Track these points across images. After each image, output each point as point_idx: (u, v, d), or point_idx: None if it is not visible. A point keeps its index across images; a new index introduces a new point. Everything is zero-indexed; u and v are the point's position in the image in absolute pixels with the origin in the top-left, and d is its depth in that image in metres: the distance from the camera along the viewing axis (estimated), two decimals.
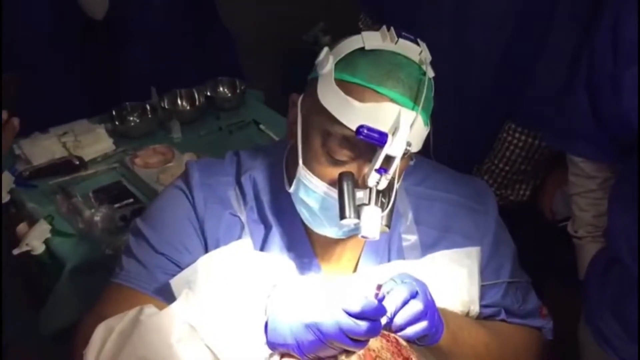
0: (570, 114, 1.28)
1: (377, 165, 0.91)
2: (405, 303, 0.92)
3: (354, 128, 0.91)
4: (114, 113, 2.18)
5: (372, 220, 0.92)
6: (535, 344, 1.19)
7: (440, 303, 1.04)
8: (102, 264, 1.57)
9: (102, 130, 2.09)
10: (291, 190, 1.02)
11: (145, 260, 1.07)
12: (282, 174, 1.08)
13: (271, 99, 2.47)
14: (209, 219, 1.07)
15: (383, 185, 0.93)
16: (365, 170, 0.95)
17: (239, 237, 1.07)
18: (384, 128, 0.90)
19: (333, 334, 0.86)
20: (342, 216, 0.93)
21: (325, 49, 0.98)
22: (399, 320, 0.92)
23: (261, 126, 2.23)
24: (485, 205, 1.15)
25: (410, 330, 0.93)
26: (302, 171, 0.98)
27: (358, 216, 0.92)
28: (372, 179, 0.92)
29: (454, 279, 1.08)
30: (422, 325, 0.93)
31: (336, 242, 1.08)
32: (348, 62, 0.94)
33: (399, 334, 0.94)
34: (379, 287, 0.91)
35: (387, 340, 0.93)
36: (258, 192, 1.09)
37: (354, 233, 1.01)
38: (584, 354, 1.36)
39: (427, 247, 1.09)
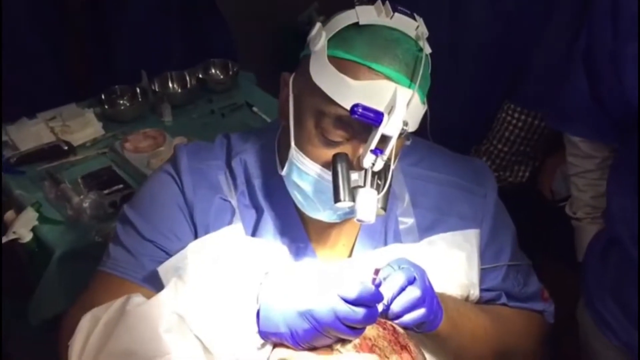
0: (569, 93, 1.26)
1: (373, 145, 0.88)
2: (402, 290, 0.89)
3: (348, 107, 0.87)
4: (103, 97, 2.14)
5: (368, 203, 0.89)
6: (536, 327, 1.17)
7: (438, 287, 1.01)
8: (92, 251, 1.53)
9: (91, 115, 2.05)
10: (283, 173, 0.99)
11: (133, 248, 1.04)
12: (274, 156, 1.05)
13: (264, 81, 2.42)
14: (198, 204, 1.03)
15: (379, 166, 0.89)
16: (360, 151, 0.91)
17: (230, 223, 1.04)
18: (379, 107, 0.87)
19: (328, 321, 0.83)
20: (337, 199, 0.89)
21: (318, 25, 0.94)
22: (396, 307, 0.89)
23: (254, 108, 2.19)
24: (484, 187, 1.12)
25: (407, 318, 0.90)
26: (295, 153, 0.95)
27: (353, 199, 0.89)
28: (368, 160, 0.89)
29: (452, 262, 1.05)
30: (420, 312, 0.90)
31: (331, 226, 1.05)
32: (342, 38, 0.91)
33: (396, 321, 0.91)
34: (377, 271, 0.88)
35: (384, 328, 0.89)
36: (249, 176, 1.06)
37: (349, 216, 0.98)
38: (583, 336, 1.34)
39: (425, 230, 1.06)
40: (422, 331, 0.94)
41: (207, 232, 1.02)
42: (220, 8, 2.42)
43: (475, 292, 1.07)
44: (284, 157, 0.98)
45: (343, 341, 0.87)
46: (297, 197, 0.99)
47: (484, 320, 1.06)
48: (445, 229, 1.06)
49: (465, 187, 1.10)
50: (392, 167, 0.92)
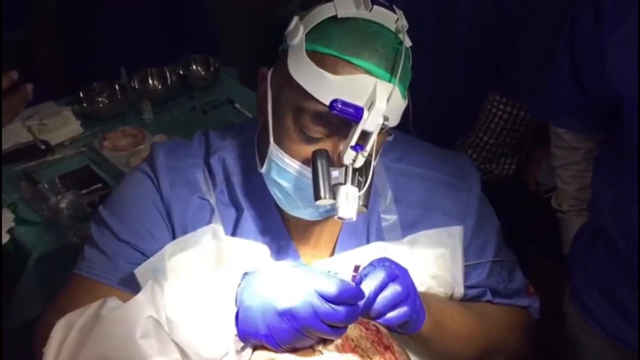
0: (553, 83, 1.26)
1: (353, 141, 0.86)
2: (383, 287, 0.88)
3: (327, 103, 0.85)
4: (81, 94, 2.10)
5: (349, 200, 0.87)
6: (521, 324, 1.15)
7: (422, 286, 1.00)
8: (70, 253, 1.48)
9: (69, 113, 2.02)
10: (263, 170, 0.97)
11: (108, 250, 1.01)
12: (253, 154, 1.02)
13: (247, 76, 2.39)
14: (175, 204, 1.01)
15: (360, 163, 0.88)
16: (341, 147, 0.89)
17: (209, 222, 1.01)
18: (359, 102, 0.85)
19: (309, 320, 0.81)
20: (317, 197, 0.87)
21: (296, 18, 0.92)
22: (377, 305, 0.87)
23: (236, 105, 2.16)
24: (468, 182, 1.10)
25: (390, 316, 0.88)
26: (274, 150, 0.93)
27: (334, 196, 0.87)
28: (348, 156, 0.87)
29: (436, 260, 1.04)
30: (403, 310, 0.88)
31: (312, 224, 1.03)
32: (320, 32, 0.89)
33: (379, 320, 0.89)
34: (356, 268, 0.86)
35: (367, 329, 0.87)
36: (228, 174, 1.03)
37: (330, 214, 0.96)
38: (569, 328, 1.34)
39: (408, 226, 1.05)
40: (405, 331, 0.92)
41: (185, 232, 1.00)
42: (200, 3, 2.39)
43: (459, 290, 1.06)
44: (263, 155, 0.97)
45: (325, 341, 0.85)
46: (278, 195, 0.98)
47: (468, 319, 1.04)
48: (428, 225, 1.05)
49: (448, 182, 1.08)
50: (373, 163, 0.91)
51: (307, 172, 0.90)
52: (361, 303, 0.85)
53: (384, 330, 0.89)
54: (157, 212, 1.02)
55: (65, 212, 1.58)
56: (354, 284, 0.84)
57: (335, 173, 0.88)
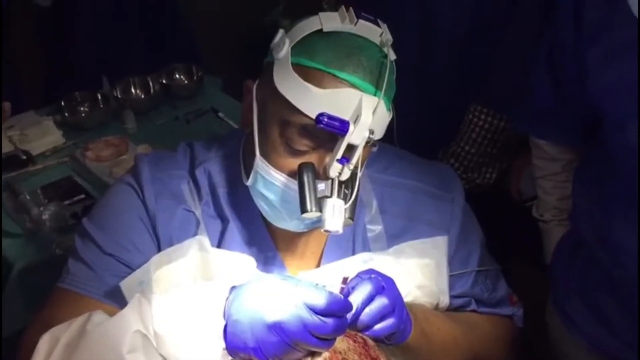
0: (534, 95, 1.27)
1: (339, 155, 0.87)
2: (370, 299, 0.88)
3: (313, 116, 0.85)
4: (63, 104, 2.08)
5: (335, 213, 0.87)
6: (505, 332, 1.16)
7: (408, 296, 1.00)
8: (53, 265, 1.47)
9: (50, 123, 2.00)
10: (249, 182, 0.97)
11: (93, 263, 1.00)
12: (238, 165, 1.02)
13: (230, 85, 2.39)
14: (161, 216, 1.00)
15: (345, 175, 0.88)
16: (327, 160, 0.90)
17: (195, 234, 1.01)
18: (345, 115, 0.85)
19: (297, 333, 0.80)
20: (304, 210, 0.87)
21: (281, 32, 0.92)
22: (365, 317, 0.87)
23: (220, 114, 2.16)
24: (452, 193, 1.11)
25: (377, 328, 0.88)
26: (260, 162, 0.93)
27: (320, 209, 0.87)
28: (334, 169, 0.87)
29: (421, 270, 1.04)
30: (390, 322, 0.89)
31: (298, 235, 1.03)
32: (305, 46, 0.89)
33: (366, 332, 0.89)
34: (345, 280, 0.86)
35: (354, 341, 0.88)
36: (214, 185, 1.03)
37: (316, 225, 0.96)
38: (553, 338, 1.35)
39: (393, 237, 1.05)
40: (392, 342, 0.93)
41: (170, 244, 0.99)
42: (183, 11, 2.38)
43: (445, 300, 1.07)
44: (249, 167, 0.97)
45: (313, 355, 0.85)
46: (263, 207, 0.98)
47: (454, 328, 1.05)
48: (413, 236, 1.05)
49: (432, 193, 1.09)
50: (359, 175, 0.91)
51: (293, 184, 0.90)
52: (349, 315, 0.85)
53: (371, 342, 0.89)
54: (142, 225, 1.01)
55: (48, 223, 1.56)
56: (342, 296, 0.84)
57: (321, 186, 0.89)
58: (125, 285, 0.96)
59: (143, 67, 2.25)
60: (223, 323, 0.85)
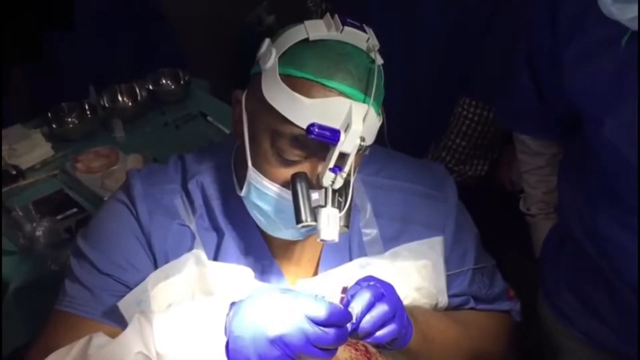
0: (515, 92, 1.28)
1: (331, 164, 0.87)
2: (370, 306, 0.88)
3: (304, 127, 0.85)
4: (49, 115, 2.06)
5: (330, 222, 0.87)
6: (505, 329, 1.17)
7: (407, 299, 1.00)
8: (49, 282, 1.49)
9: (38, 135, 1.98)
10: (242, 194, 0.96)
11: (90, 284, 1.00)
12: (231, 176, 1.02)
13: (218, 87, 2.38)
14: (155, 232, 1.00)
15: (339, 184, 0.89)
16: (319, 169, 0.89)
17: (190, 248, 1.01)
18: (335, 124, 0.86)
19: (300, 346, 0.81)
20: (299, 220, 0.87)
21: (267, 41, 0.92)
22: (365, 324, 0.87)
23: (209, 118, 2.15)
24: (444, 192, 1.11)
25: (379, 335, 0.88)
26: (252, 174, 0.93)
27: (315, 219, 0.87)
28: (327, 178, 0.88)
29: (419, 272, 1.04)
30: (391, 328, 0.89)
31: (294, 242, 1.03)
32: (292, 55, 0.89)
33: (368, 340, 0.89)
34: (345, 289, 0.87)
35: (356, 349, 0.88)
36: (207, 198, 1.03)
37: (311, 233, 0.96)
38: (544, 331, 1.36)
39: (389, 240, 1.05)
40: (394, 347, 0.93)
41: (166, 260, 0.99)
42: (166, 14, 2.36)
43: (444, 299, 1.07)
44: (241, 177, 0.96)
45: None
46: (258, 217, 0.98)
47: (454, 329, 1.06)
48: (408, 238, 1.06)
49: (425, 193, 1.09)
50: (352, 182, 0.91)
51: (287, 194, 0.90)
52: (349, 324, 0.86)
53: (372, 349, 0.90)
54: (137, 243, 1.01)
55: (42, 240, 1.55)
56: (341, 306, 0.84)
57: (315, 195, 0.89)
58: (123, 304, 0.96)
59: (127, 74, 2.23)
60: (225, 339, 0.85)
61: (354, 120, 0.84)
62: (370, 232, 1.05)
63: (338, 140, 0.85)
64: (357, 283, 0.91)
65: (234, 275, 0.98)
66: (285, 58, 0.89)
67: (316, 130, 0.84)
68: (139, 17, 2.30)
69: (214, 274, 0.97)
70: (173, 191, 1.03)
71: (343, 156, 0.87)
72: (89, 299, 0.99)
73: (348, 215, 0.91)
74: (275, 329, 0.81)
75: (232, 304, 0.88)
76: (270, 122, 0.89)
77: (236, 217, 1.02)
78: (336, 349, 0.84)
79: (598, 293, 1.18)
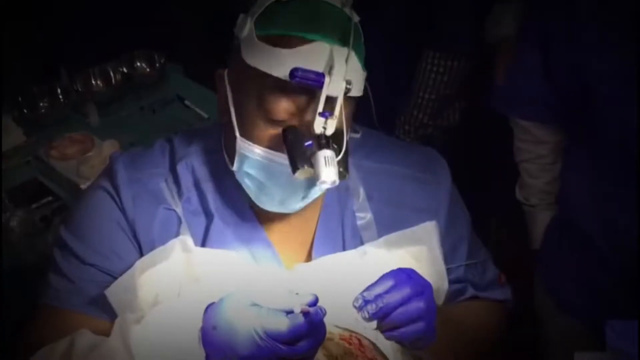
0: (519, 75, 1.25)
1: (320, 108, 0.85)
2: (408, 300, 0.86)
3: (287, 73, 0.84)
4: (20, 99, 1.99)
5: (329, 163, 0.85)
6: (501, 317, 1.17)
7: None
8: (26, 273, 1.45)
9: (8, 120, 1.91)
10: (234, 167, 0.94)
11: (74, 275, 0.98)
12: (221, 158, 1.00)
13: (195, 71, 2.33)
14: (140, 219, 0.98)
15: (331, 129, 0.87)
16: (309, 117, 0.88)
17: (177, 233, 0.99)
18: (318, 68, 0.85)
19: None
20: (295, 168, 0.86)
21: (241, 15, 0.92)
22: (397, 316, 0.85)
23: (186, 102, 2.10)
24: (437, 175, 1.11)
25: (404, 330, 0.86)
26: (241, 143, 0.92)
27: (311, 165, 0.86)
28: (318, 124, 0.86)
29: (416, 258, 1.04)
30: (419, 326, 0.87)
31: (287, 223, 1.02)
32: (267, 17, 0.89)
33: (392, 333, 0.87)
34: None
35: (350, 344, 0.87)
36: (198, 180, 1.01)
37: (307, 201, 0.95)
38: (544, 322, 1.36)
39: (382, 224, 1.04)
40: (415, 348, 0.92)
41: (152, 247, 0.97)
42: None
43: (444, 284, 1.07)
44: (232, 154, 0.95)
45: None
46: (252, 190, 0.96)
47: (459, 325, 1.05)
48: (402, 223, 1.04)
49: (418, 177, 1.08)
50: (345, 132, 0.90)
51: (278, 157, 0.89)
52: (380, 305, 0.84)
53: (366, 342, 0.89)
54: (121, 231, 0.98)
55: (18, 230, 1.51)
56: (302, 318, 0.80)
57: (309, 144, 0.87)
58: (111, 292, 0.94)
59: (98, 56, 2.17)
60: (202, 353, 0.84)
61: (336, 62, 0.84)
62: (365, 216, 1.04)
63: (322, 83, 0.84)
64: (400, 271, 0.89)
65: (221, 261, 0.97)
66: (261, 20, 0.89)
67: (300, 73, 0.83)
68: None
69: (200, 259, 0.96)
70: (158, 175, 1.01)
71: (331, 101, 0.85)
72: (72, 290, 0.98)
73: (345, 162, 0.90)
74: (243, 350, 0.80)
75: (208, 307, 0.86)
76: (255, 85, 0.89)
77: (229, 198, 1.01)
78: (313, 355, 0.83)
79: (604, 284, 1.18)
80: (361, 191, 1.05)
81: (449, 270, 1.08)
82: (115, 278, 0.96)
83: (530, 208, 1.40)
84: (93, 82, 2.12)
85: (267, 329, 0.79)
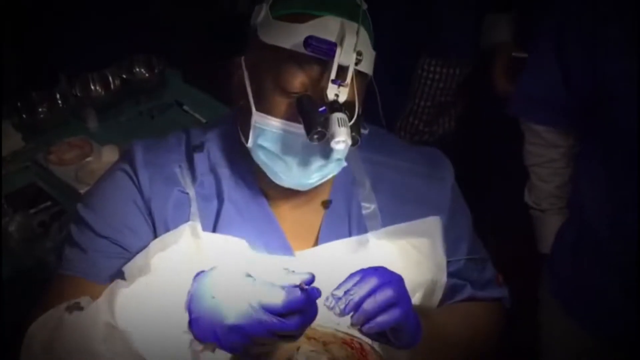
0: (533, 78, 1.25)
1: (333, 75, 0.90)
2: (375, 290, 0.86)
3: (301, 42, 0.89)
4: (19, 104, 1.99)
5: (342, 124, 0.88)
6: (498, 318, 1.18)
7: (408, 276, 0.99)
8: (24, 277, 1.44)
9: (7, 125, 1.91)
10: (249, 142, 0.97)
11: (87, 246, 1.01)
12: (236, 141, 1.03)
13: (193, 76, 2.33)
14: (155, 198, 1.01)
15: (343, 96, 0.91)
16: (322, 84, 0.91)
17: (189, 217, 1.01)
18: (330, 38, 0.90)
19: (258, 333, 0.79)
20: (309, 130, 0.89)
21: (257, 6, 0.97)
22: (368, 306, 0.85)
23: (185, 107, 2.10)
24: (441, 172, 1.13)
25: (380, 319, 0.86)
26: (257, 117, 0.96)
27: (325, 127, 0.89)
28: (331, 90, 0.90)
29: (418, 249, 1.05)
30: (393, 313, 0.87)
31: (297, 209, 1.05)
32: (281, 1, 0.95)
33: (369, 325, 0.86)
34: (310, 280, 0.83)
35: (352, 348, 0.87)
36: (214, 165, 1.05)
37: (320, 180, 0.98)
38: (547, 325, 1.35)
39: (387, 215, 1.06)
40: (402, 346, 0.92)
41: (166, 226, 1.00)
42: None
43: (443, 278, 1.08)
44: (247, 131, 0.98)
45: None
46: (267, 165, 0.98)
47: (459, 326, 1.07)
48: (406, 216, 1.06)
49: (423, 173, 1.11)
50: (357, 103, 0.92)
51: (293, 127, 0.93)
52: (351, 305, 0.84)
53: (368, 347, 0.89)
54: (136, 209, 1.02)
55: (16, 235, 1.50)
56: (299, 292, 0.80)
57: (322, 110, 0.90)
58: (128, 269, 0.97)
59: (98, 61, 2.17)
60: (187, 317, 0.83)
61: (347, 33, 0.89)
62: (370, 206, 1.06)
63: (334, 52, 0.88)
64: (365, 269, 0.89)
65: (228, 247, 0.98)
66: (276, 4, 0.95)
67: (313, 42, 0.88)
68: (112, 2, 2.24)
69: (209, 245, 0.98)
70: (174, 160, 1.05)
71: (343, 70, 0.89)
72: (84, 260, 1.01)
73: (358, 126, 0.93)
74: (231, 318, 0.80)
75: (197, 274, 0.86)
76: (271, 62, 0.93)
77: (242, 183, 1.04)
78: (301, 333, 0.82)
79: (616, 289, 1.17)
80: (367, 182, 1.08)
81: (449, 263, 1.09)
82: (127, 252, 0.99)
83: (540, 213, 1.39)
84: (92, 87, 2.12)
85: (262, 301, 0.79)
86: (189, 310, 0.83)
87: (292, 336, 0.82)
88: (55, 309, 0.93)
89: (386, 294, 0.87)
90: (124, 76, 2.15)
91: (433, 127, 1.87)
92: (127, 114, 2.07)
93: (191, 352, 0.85)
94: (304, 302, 0.81)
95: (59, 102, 2.04)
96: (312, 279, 0.82)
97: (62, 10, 2.13)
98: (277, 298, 0.79)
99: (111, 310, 0.86)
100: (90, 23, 2.22)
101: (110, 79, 2.12)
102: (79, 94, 2.07)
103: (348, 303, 0.85)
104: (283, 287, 0.81)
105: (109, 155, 1.80)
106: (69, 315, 0.89)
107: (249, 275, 0.82)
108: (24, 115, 1.98)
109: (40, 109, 2.03)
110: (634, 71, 1.02)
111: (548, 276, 1.34)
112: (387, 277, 0.89)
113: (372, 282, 0.87)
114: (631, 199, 1.09)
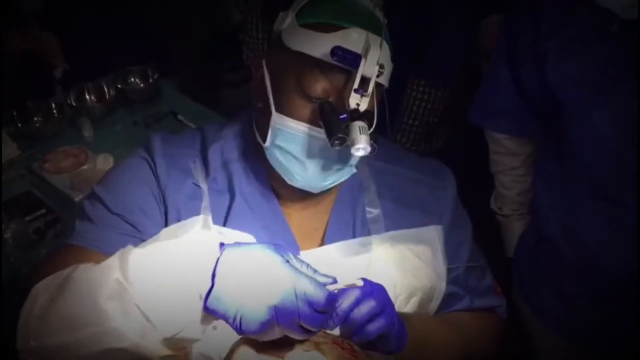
0: (491, 88, 1.29)
1: (356, 85, 0.92)
2: (359, 302, 0.88)
3: (328, 52, 0.92)
4: (14, 114, 2.01)
5: (362, 132, 0.91)
6: (495, 328, 1.19)
7: (406, 280, 1.03)
8: (19, 284, 1.43)
9: (3, 134, 1.91)
10: (267, 143, 1.00)
11: (98, 220, 1.03)
12: (251, 141, 1.07)
13: (187, 86, 2.35)
14: (171, 186, 1.04)
15: (364, 105, 0.93)
16: (344, 93, 0.94)
17: (200, 210, 1.04)
18: (356, 50, 0.93)
19: (289, 321, 0.79)
20: (330, 136, 0.92)
21: (281, 13, 1.01)
22: (353, 316, 0.87)
23: (179, 117, 2.12)
24: (444, 182, 1.16)
25: (368, 328, 0.88)
26: (277, 118, 0.98)
27: (346, 133, 0.92)
28: (353, 99, 0.93)
29: (418, 256, 1.08)
30: (379, 323, 0.89)
31: (305, 209, 1.08)
32: (309, 8, 0.98)
33: (358, 336, 0.88)
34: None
35: (343, 348, 0.87)
36: (227, 161, 1.08)
37: (333, 184, 1.01)
38: (525, 328, 1.38)
39: (390, 221, 1.09)
40: (389, 351, 0.93)
41: (178, 215, 1.03)
42: (135, 12, 2.32)
43: (442, 285, 1.09)
44: (264, 132, 1.00)
45: (290, 341, 0.83)
46: (282, 165, 1.00)
47: (449, 334, 1.07)
48: (409, 222, 1.09)
49: (426, 182, 1.14)
50: (375, 112, 0.95)
51: (313, 131, 0.95)
52: (337, 320, 0.86)
53: (358, 349, 0.90)
54: (150, 194, 1.04)
55: (11, 242, 1.51)
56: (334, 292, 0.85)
57: (343, 117, 0.93)
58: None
59: (94, 72, 2.19)
60: (209, 284, 0.81)
61: (372, 45, 0.91)
62: (374, 211, 1.09)
63: (359, 63, 0.91)
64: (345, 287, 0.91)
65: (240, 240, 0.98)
66: (303, 12, 0.98)
67: (340, 52, 0.91)
68: (107, 13, 2.26)
69: (218, 239, 0.94)
70: (189, 155, 1.07)
71: (364, 81, 0.92)
72: (93, 232, 1.02)
73: (375, 136, 0.95)
74: (273, 299, 0.79)
75: (222, 244, 0.84)
76: (295, 66, 0.96)
77: (254, 180, 1.07)
78: (314, 332, 0.82)
79: (576, 290, 1.20)
80: (373, 187, 1.11)
81: (449, 270, 1.11)
82: (138, 231, 1.01)
83: (503, 218, 1.43)
84: (87, 97, 2.14)
85: (308, 293, 0.80)
86: (217, 280, 0.80)
87: (312, 333, 0.82)
88: (63, 270, 0.89)
89: (369, 304, 0.89)
90: (119, 86, 2.18)
91: (420, 146, 1.90)
92: (122, 124, 2.09)
93: (201, 319, 0.82)
94: (332, 305, 0.84)
95: (55, 111, 2.06)
96: (335, 282, 0.87)
97: (58, 22, 2.15)
98: (322, 296, 0.80)
99: (124, 267, 0.83)
100: (85, 34, 2.23)
101: (106, 88, 2.14)
102: (74, 104, 2.09)
103: (336, 317, 0.87)
104: (324, 285, 0.84)
105: (104, 163, 1.81)
106: (78, 269, 0.86)
107: (287, 261, 0.82)
108: (19, 125, 1.99)
109: (35, 119, 2.04)
110: (581, 77, 1.05)
111: (515, 280, 1.37)
112: (368, 288, 0.90)
113: (354, 294, 0.88)
114: (581, 202, 1.12)
